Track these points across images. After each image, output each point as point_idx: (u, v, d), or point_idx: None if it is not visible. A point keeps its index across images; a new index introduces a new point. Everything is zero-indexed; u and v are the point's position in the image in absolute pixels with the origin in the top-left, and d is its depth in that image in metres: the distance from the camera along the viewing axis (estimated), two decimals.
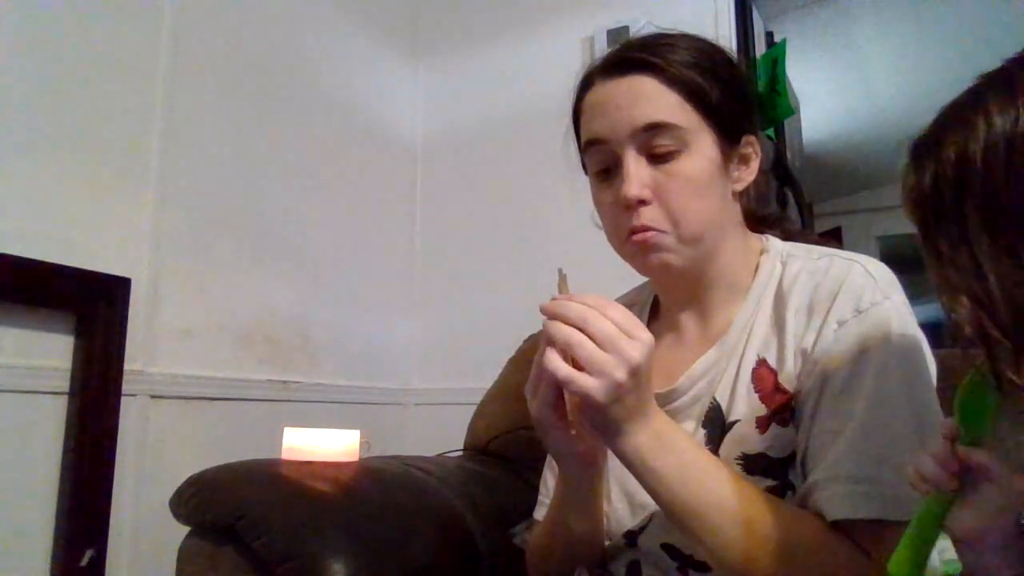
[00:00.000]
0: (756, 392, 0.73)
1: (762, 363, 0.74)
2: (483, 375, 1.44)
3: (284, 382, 1.59)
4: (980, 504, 0.47)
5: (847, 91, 3.41)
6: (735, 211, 0.79)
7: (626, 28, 1.84)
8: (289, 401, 1.59)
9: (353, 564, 0.81)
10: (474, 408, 1.42)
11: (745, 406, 0.73)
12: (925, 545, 0.49)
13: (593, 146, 0.76)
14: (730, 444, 0.72)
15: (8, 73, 1.15)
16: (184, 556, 0.93)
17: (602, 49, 1.88)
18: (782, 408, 0.71)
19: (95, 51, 1.27)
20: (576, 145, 0.82)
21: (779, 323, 0.74)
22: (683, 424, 0.76)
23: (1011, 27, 2.66)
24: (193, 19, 1.45)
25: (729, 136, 0.75)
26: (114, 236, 1.28)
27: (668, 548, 0.74)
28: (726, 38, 1.75)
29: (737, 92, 0.76)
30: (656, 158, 0.72)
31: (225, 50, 1.53)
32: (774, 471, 0.70)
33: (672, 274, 0.77)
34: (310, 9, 1.78)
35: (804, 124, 2.81)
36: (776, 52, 1.90)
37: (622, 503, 0.79)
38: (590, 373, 0.60)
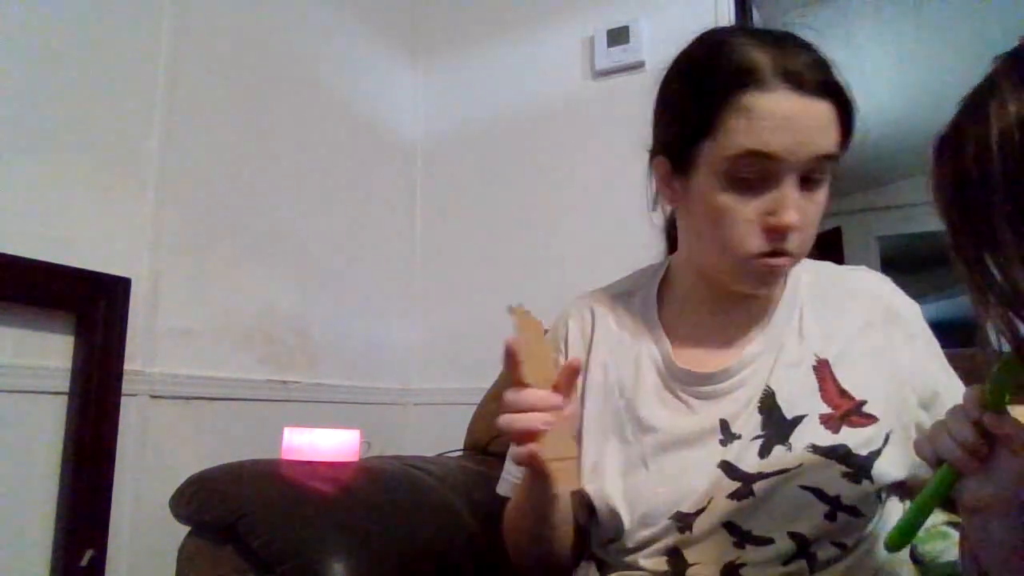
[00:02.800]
0: (820, 391, 0.78)
1: (823, 364, 0.79)
2: (483, 375, 1.44)
3: (284, 382, 1.59)
4: (996, 474, 0.48)
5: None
6: None
7: (626, 28, 1.84)
8: (289, 401, 1.59)
9: (353, 564, 0.81)
10: (474, 408, 1.42)
11: (806, 402, 0.77)
12: (922, 518, 0.50)
13: (754, 156, 0.70)
14: (799, 435, 0.76)
15: (8, 73, 1.15)
16: (184, 556, 0.93)
17: (602, 49, 1.89)
18: (852, 411, 0.77)
19: (95, 51, 1.27)
20: (686, 121, 0.75)
21: (865, 327, 0.81)
22: (726, 406, 0.79)
23: (1011, 27, 2.66)
24: (193, 19, 1.45)
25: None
26: (114, 236, 1.28)
27: (729, 526, 0.75)
28: None
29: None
30: (806, 184, 0.73)
31: (225, 50, 1.53)
32: (854, 462, 0.74)
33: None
34: (310, 9, 1.78)
35: None
36: None
37: (664, 487, 0.78)
38: None
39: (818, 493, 0.74)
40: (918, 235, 4.23)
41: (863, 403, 0.77)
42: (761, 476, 0.75)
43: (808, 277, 0.86)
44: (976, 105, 0.45)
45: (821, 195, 0.74)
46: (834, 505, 0.74)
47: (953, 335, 0.98)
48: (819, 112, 0.71)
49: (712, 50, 0.76)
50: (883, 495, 0.78)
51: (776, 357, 0.80)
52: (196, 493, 0.92)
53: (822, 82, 0.71)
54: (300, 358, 1.65)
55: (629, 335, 0.88)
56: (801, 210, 0.72)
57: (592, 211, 1.81)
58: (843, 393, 0.78)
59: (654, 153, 0.82)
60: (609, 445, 0.83)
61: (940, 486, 0.49)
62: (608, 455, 0.82)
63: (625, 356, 0.87)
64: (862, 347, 0.80)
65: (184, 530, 0.95)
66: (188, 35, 1.44)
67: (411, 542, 0.91)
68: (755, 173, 0.71)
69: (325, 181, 1.78)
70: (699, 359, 0.83)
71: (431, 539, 0.94)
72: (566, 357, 0.90)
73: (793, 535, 0.74)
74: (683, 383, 0.82)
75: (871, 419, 0.77)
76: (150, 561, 1.25)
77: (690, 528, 0.77)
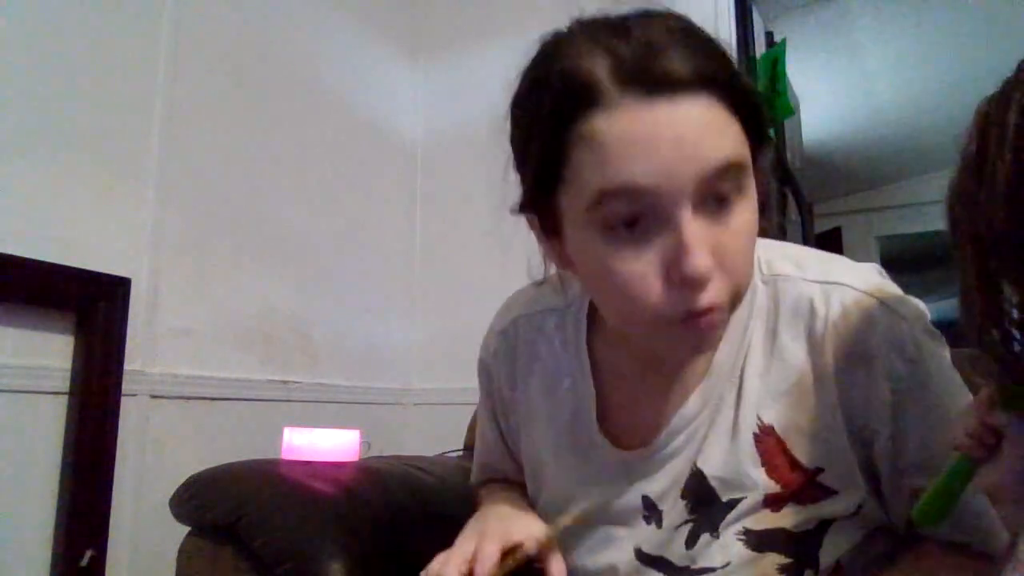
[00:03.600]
0: (763, 466, 0.61)
1: (767, 431, 0.61)
2: None
3: (284, 382, 1.59)
4: (1001, 464, 0.50)
5: (847, 91, 3.40)
6: None
7: None
8: (289, 401, 1.59)
9: (353, 564, 0.81)
10: (474, 408, 1.42)
11: (746, 479, 0.61)
12: (950, 498, 0.52)
13: (616, 198, 0.51)
14: (730, 523, 0.62)
15: (8, 73, 1.15)
16: (184, 556, 0.93)
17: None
18: (803, 487, 0.60)
19: (95, 51, 1.27)
20: (536, 171, 0.58)
21: (818, 377, 0.60)
22: (655, 483, 0.65)
23: (1011, 27, 2.66)
24: (193, 19, 1.45)
25: (760, 155, 0.57)
26: (114, 236, 1.28)
27: None
28: (726, 38, 1.74)
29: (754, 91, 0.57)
30: (711, 210, 0.52)
31: (225, 50, 1.53)
32: (794, 547, 0.61)
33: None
34: (310, 9, 1.78)
35: (804, 124, 2.81)
36: (776, 52, 1.90)
37: (587, 561, 0.69)
38: None
39: None
40: (918, 235, 4.22)
41: (818, 471, 0.60)
42: (687, 571, 0.63)
43: (763, 296, 0.64)
44: (1002, 102, 0.45)
45: (740, 216, 0.53)
46: None
47: (953, 335, 0.98)
48: (692, 115, 0.50)
49: (544, 62, 0.58)
50: (845, 568, 0.62)
51: (713, 419, 0.63)
52: (196, 493, 0.92)
53: (687, 74, 0.50)
54: (300, 358, 1.65)
55: (554, 371, 0.73)
56: (715, 245, 0.52)
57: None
58: (795, 465, 0.60)
59: (521, 207, 0.64)
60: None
61: (958, 466, 0.52)
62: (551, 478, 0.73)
63: (548, 403, 0.74)
64: (821, 401, 0.61)
65: (184, 530, 0.95)
66: (188, 35, 1.44)
67: (411, 542, 0.91)
68: (631, 217, 0.52)
69: (325, 181, 1.78)
70: (628, 424, 0.68)
71: (430, 539, 0.94)
72: (496, 408, 0.80)
73: None
74: (603, 450, 0.68)
75: (825, 492, 0.60)
76: (150, 561, 1.25)
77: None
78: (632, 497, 0.66)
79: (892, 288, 0.62)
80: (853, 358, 0.59)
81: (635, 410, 0.67)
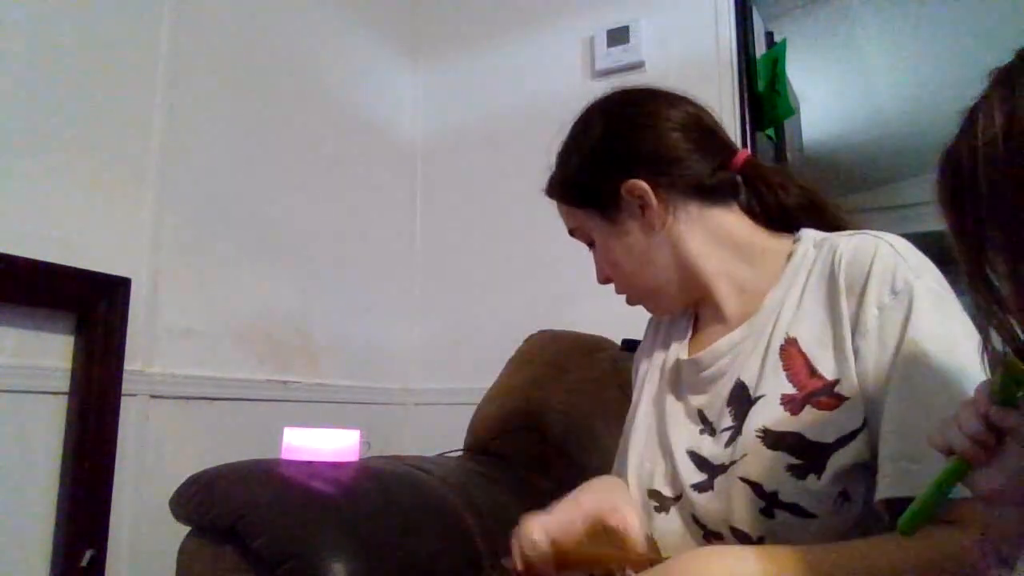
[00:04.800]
0: (784, 371, 0.73)
1: (791, 343, 0.74)
2: (483, 375, 1.44)
3: (284, 382, 1.59)
4: (1007, 464, 0.49)
5: (847, 91, 3.41)
6: (696, 239, 0.82)
7: (626, 28, 1.84)
8: (289, 401, 1.59)
9: (353, 564, 0.81)
10: (474, 408, 1.42)
11: (771, 384, 0.73)
12: (936, 506, 0.51)
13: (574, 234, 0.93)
14: (753, 418, 0.72)
15: (8, 73, 1.15)
16: (184, 556, 0.93)
17: (602, 49, 1.89)
18: (819, 391, 0.70)
19: (95, 51, 1.27)
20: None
21: (832, 307, 0.73)
22: (706, 397, 0.81)
23: (1011, 27, 2.66)
24: (193, 19, 1.45)
25: (603, 204, 0.84)
26: (114, 236, 1.28)
27: (696, 520, 0.76)
28: (726, 38, 1.75)
29: (586, 159, 0.87)
30: (592, 247, 0.89)
31: (225, 50, 1.53)
32: (806, 452, 0.68)
33: (680, 307, 0.89)
34: (310, 9, 1.78)
35: (804, 124, 2.81)
36: (776, 52, 1.90)
37: (649, 463, 0.83)
38: None
39: (756, 487, 0.70)
40: (918, 235, 4.19)
41: (835, 383, 0.70)
42: (722, 468, 0.74)
43: (812, 254, 0.79)
44: (969, 118, 0.46)
45: (601, 251, 0.87)
46: (769, 501, 0.69)
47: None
48: (562, 211, 0.91)
49: None
50: (851, 493, 0.68)
51: (755, 343, 0.77)
52: (196, 493, 0.92)
53: (548, 192, 0.93)
54: (300, 358, 1.65)
55: (668, 334, 0.93)
56: (601, 264, 0.89)
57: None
58: (813, 372, 0.71)
59: None
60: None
61: (950, 475, 0.51)
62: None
63: (671, 331, 0.93)
64: (835, 322, 0.72)
65: (184, 530, 0.95)
66: (188, 35, 1.44)
67: (411, 542, 0.91)
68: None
69: (325, 181, 1.78)
70: (703, 344, 0.84)
71: (431, 539, 0.94)
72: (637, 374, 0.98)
73: (735, 531, 0.71)
74: (677, 374, 0.87)
75: (840, 399, 0.69)
76: (150, 561, 1.25)
77: (667, 511, 0.79)
78: (690, 409, 0.82)
79: (911, 247, 0.74)
80: (855, 284, 0.71)
81: (710, 337, 0.85)
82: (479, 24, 2.11)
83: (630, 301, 0.90)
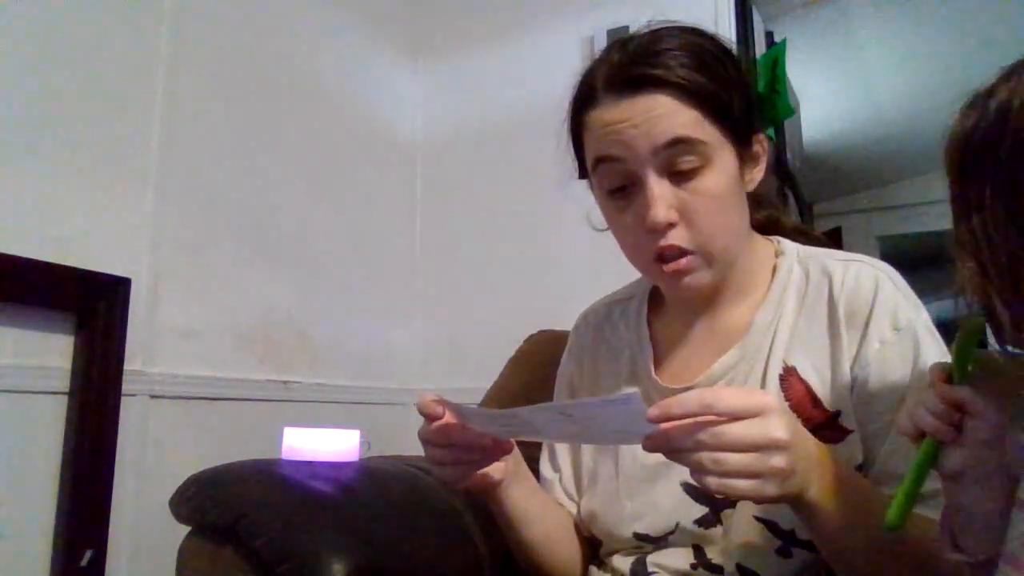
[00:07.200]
0: (787, 401, 0.71)
1: (790, 372, 0.72)
2: (483, 375, 1.44)
3: (284, 382, 1.59)
4: (965, 440, 0.50)
5: (847, 91, 3.40)
6: (748, 214, 0.78)
7: (626, 28, 1.84)
8: (289, 401, 1.59)
9: (353, 564, 0.81)
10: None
11: None
12: (915, 489, 0.51)
13: (605, 164, 0.72)
14: None
15: (8, 73, 1.15)
16: (184, 556, 0.93)
17: (602, 49, 1.88)
18: (824, 424, 0.69)
19: (95, 50, 1.27)
20: (574, 154, 0.80)
21: (832, 336, 0.72)
22: None
23: (1012, 27, 2.66)
24: (193, 19, 1.45)
25: (743, 140, 0.74)
26: (114, 236, 1.28)
27: (696, 549, 0.73)
28: (726, 38, 1.74)
29: (743, 89, 0.74)
30: (679, 176, 0.69)
31: (225, 50, 1.53)
32: None
33: (703, 292, 0.76)
34: (310, 9, 1.78)
35: (804, 124, 2.81)
36: (776, 52, 1.90)
37: (632, 502, 0.78)
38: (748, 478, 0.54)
39: (771, 526, 0.68)
40: (918, 235, 4.22)
41: (837, 414, 0.70)
42: (729, 503, 0.71)
43: (799, 272, 0.78)
44: (1012, 72, 0.46)
45: (703, 182, 0.69)
46: (787, 540, 0.68)
47: (953, 335, 0.98)
48: (644, 106, 0.69)
49: (580, 77, 0.78)
50: None
51: (751, 367, 0.74)
52: (196, 493, 0.92)
53: (636, 77, 0.70)
54: (300, 358, 1.65)
55: (616, 346, 0.88)
56: (678, 203, 0.69)
57: (589, 212, 1.81)
58: (816, 404, 0.70)
59: (580, 175, 0.83)
60: (603, 457, 0.84)
61: (925, 457, 0.51)
62: (601, 465, 0.84)
63: (610, 368, 0.87)
64: (835, 352, 0.72)
65: (184, 530, 0.95)
66: (187, 35, 1.44)
67: (411, 542, 0.91)
68: (616, 181, 0.72)
69: (325, 181, 1.78)
70: (678, 371, 0.80)
71: (431, 539, 0.94)
72: (565, 391, 0.93)
73: (743, 570, 0.69)
74: (658, 396, 0.78)
75: (844, 432, 0.69)
76: (150, 561, 1.25)
77: (656, 544, 0.76)
78: None
79: (903, 280, 0.75)
80: (857, 316, 0.71)
81: (686, 362, 0.80)
82: (479, 24, 2.11)
83: (686, 264, 0.71)
